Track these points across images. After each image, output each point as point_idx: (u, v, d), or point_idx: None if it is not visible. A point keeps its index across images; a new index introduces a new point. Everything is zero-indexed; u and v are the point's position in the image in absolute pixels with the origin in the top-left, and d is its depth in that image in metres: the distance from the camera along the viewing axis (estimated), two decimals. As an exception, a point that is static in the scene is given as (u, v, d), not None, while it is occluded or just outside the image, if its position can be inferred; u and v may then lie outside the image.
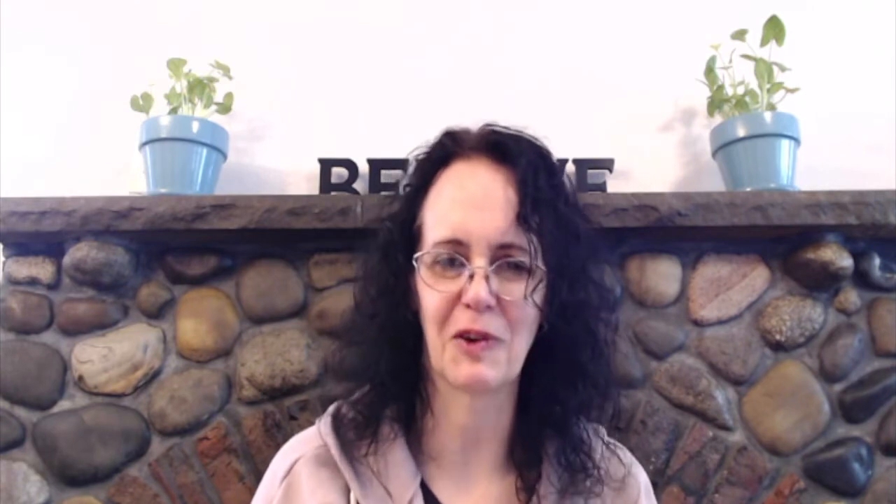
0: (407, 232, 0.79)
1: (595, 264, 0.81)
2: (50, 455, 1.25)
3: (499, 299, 0.72)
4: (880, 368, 1.29)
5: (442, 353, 0.74)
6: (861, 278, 1.31)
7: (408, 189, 0.82)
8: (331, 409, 0.83)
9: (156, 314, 1.31)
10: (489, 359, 0.72)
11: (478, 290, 0.70)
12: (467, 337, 0.71)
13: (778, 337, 1.28)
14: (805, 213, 1.24)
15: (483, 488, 0.80)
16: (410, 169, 0.83)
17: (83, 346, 1.29)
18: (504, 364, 0.73)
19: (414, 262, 0.76)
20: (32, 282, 1.32)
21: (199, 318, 1.30)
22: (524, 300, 0.72)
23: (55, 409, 1.27)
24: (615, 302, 0.83)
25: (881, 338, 1.30)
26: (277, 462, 0.83)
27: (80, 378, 1.27)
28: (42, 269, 1.32)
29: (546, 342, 0.77)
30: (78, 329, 1.30)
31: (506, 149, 0.76)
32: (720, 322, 1.30)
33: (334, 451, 0.78)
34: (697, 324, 1.30)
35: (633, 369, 1.28)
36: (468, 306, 0.71)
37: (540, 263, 0.73)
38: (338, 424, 0.80)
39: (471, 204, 0.73)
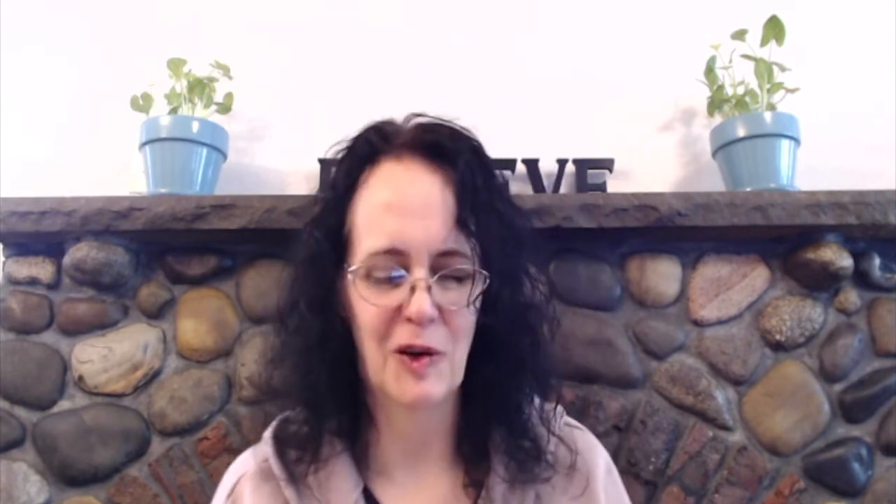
0: (334, 239, 0.74)
1: (532, 257, 0.78)
2: (50, 455, 1.24)
3: (441, 310, 0.68)
4: (880, 368, 1.29)
5: (383, 369, 0.70)
6: (861, 278, 1.31)
7: (332, 192, 0.76)
8: (269, 430, 0.80)
9: (156, 314, 1.31)
10: (433, 375, 0.69)
11: (420, 303, 0.66)
12: (410, 352, 0.68)
13: (778, 337, 1.28)
14: (805, 213, 1.24)
15: (430, 490, 0.77)
16: (333, 169, 0.78)
17: (83, 346, 1.29)
18: (448, 376, 0.71)
19: (349, 275, 0.71)
20: (32, 282, 1.32)
21: (199, 318, 1.30)
22: (467, 308, 0.69)
23: (55, 409, 1.27)
24: (551, 294, 0.81)
25: (881, 338, 1.30)
26: (224, 481, 0.81)
27: (80, 378, 1.27)
28: (42, 269, 1.32)
29: (486, 339, 0.74)
30: (78, 329, 1.30)
31: (442, 149, 0.72)
32: (720, 322, 1.30)
33: (275, 468, 0.75)
34: (697, 324, 1.30)
35: (633, 369, 1.28)
36: (410, 320, 0.67)
37: (480, 268, 0.70)
38: (279, 442, 0.77)
39: (408, 211, 0.69)
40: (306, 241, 0.76)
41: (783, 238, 1.30)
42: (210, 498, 1.22)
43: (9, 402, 1.27)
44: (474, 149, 0.74)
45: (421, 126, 0.75)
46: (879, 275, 1.31)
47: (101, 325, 1.30)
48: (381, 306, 0.68)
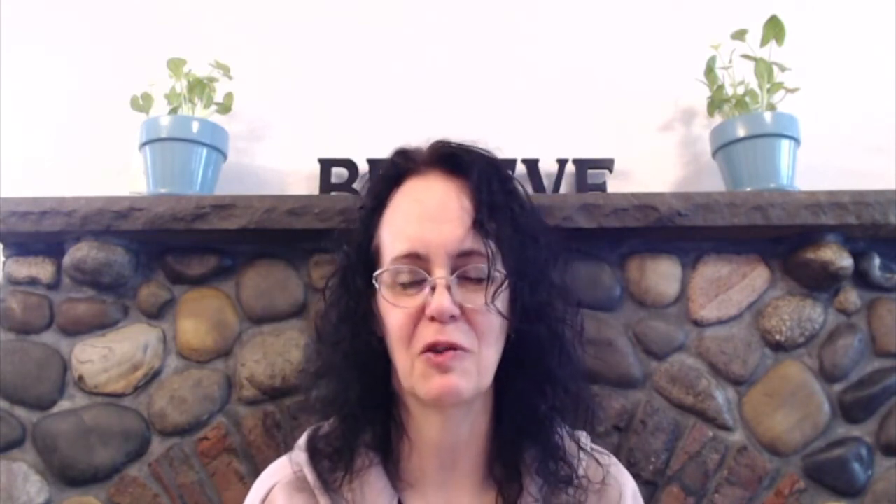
0: (364, 254, 0.78)
1: (555, 267, 0.80)
2: (50, 455, 1.24)
3: (463, 309, 0.71)
4: (880, 368, 1.29)
5: (411, 371, 0.72)
6: (861, 278, 1.31)
7: (362, 211, 0.81)
8: (302, 439, 0.82)
9: (156, 314, 1.31)
10: (459, 369, 0.71)
11: (440, 301, 0.69)
12: (435, 350, 0.70)
13: (778, 337, 1.28)
14: (805, 213, 1.24)
15: None
16: (364, 192, 0.83)
17: (83, 346, 1.29)
18: (475, 374, 0.72)
19: (374, 283, 0.75)
20: (32, 282, 1.32)
21: (199, 318, 1.30)
22: (486, 306, 0.71)
23: (55, 409, 1.27)
24: (578, 304, 0.83)
25: (881, 338, 1.30)
26: (254, 489, 0.82)
27: (80, 378, 1.27)
28: (42, 269, 1.32)
29: (513, 351, 0.76)
30: (78, 329, 1.30)
31: (458, 160, 0.76)
32: (720, 322, 1.30)
33: (310, 478, 0.77)
34: (697, 324, 1.30)
35: (633, 369, 1.28)
36: (433, 319, 0.70)
37: (500, 268, 0.72)
38: (312, 454, 0.79)
39: (427, 216, 0.73)
40: (339, 257, 0.81)
41: (783, 238, 1.30)
42: (209, 498, 1.23)
43: (9, 402, 1.27)
44: (490, 161, 0.79)
45: (439, 143, 0.79)
46: (879, 275, 1.31)
47: (101, 325, 1.30)
48: (404, 308, 0.72)
